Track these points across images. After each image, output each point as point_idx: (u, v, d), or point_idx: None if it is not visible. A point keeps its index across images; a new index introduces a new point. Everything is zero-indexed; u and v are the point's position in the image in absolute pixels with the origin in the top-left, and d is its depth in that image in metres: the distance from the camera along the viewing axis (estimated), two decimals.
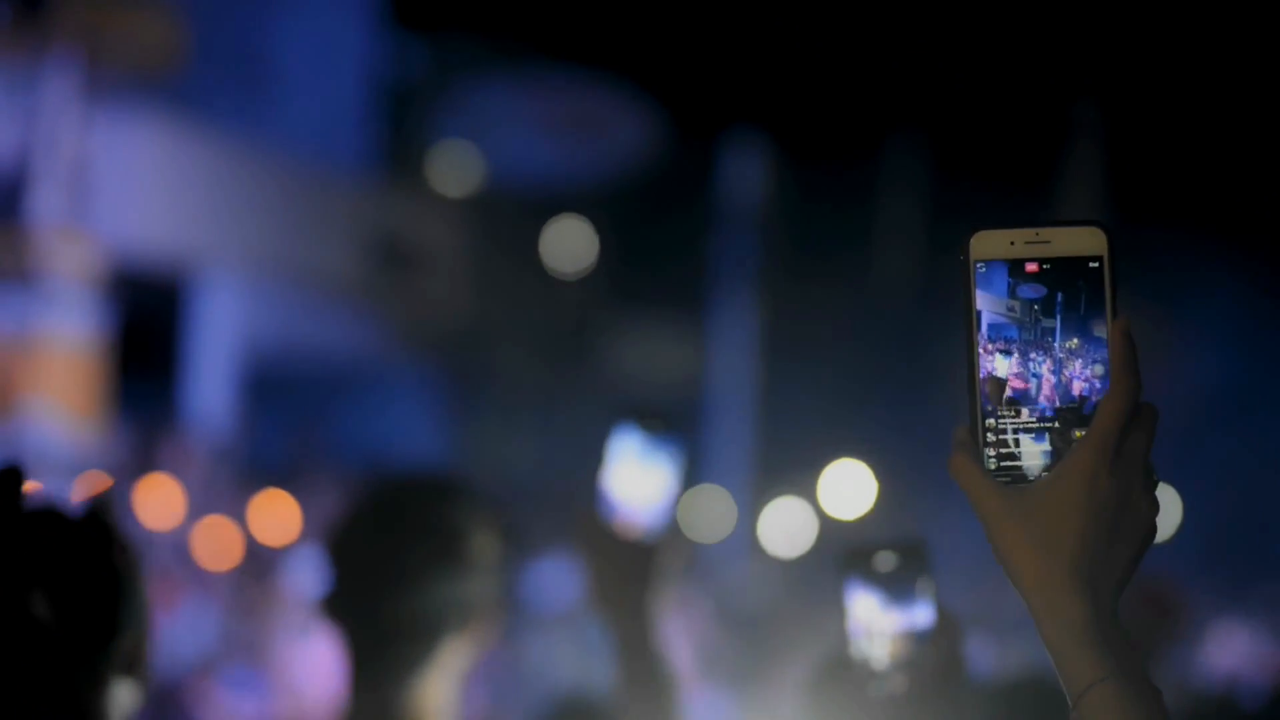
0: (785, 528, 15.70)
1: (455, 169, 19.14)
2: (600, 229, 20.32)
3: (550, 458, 20.30)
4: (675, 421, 2.45)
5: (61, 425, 10.50)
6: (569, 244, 20.40)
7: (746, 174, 15.89)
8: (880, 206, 19.77)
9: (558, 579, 10.22)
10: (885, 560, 1.87)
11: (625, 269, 20.67)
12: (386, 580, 2.45)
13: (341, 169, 16.62)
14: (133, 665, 2.14)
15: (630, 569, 2.40)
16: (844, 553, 1.90)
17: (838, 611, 1.88)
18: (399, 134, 17.91)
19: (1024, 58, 17.18)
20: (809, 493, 17.82)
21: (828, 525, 16.39)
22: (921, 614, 1.87)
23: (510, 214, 20.06)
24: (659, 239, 20.01)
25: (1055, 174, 18.05)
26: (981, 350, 1.36)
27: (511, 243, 20.33)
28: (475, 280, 18.78)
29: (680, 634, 9.05)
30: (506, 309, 20.25)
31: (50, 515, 2.12)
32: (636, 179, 18.73)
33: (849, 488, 15.72)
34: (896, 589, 1.86)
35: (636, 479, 2.43)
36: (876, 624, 1.86)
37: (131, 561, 2.16)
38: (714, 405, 16.15)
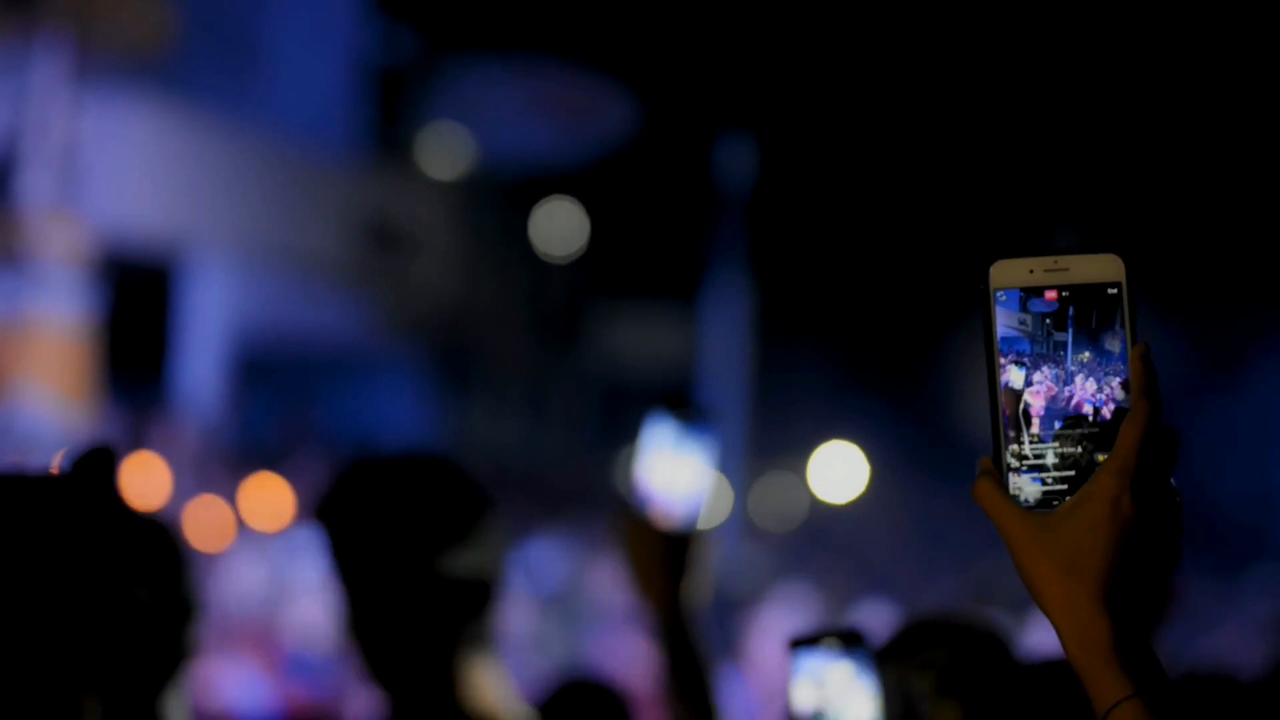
0: (776, 504, 15.76)
1: (445, 152, 19.13)
2: (591, 212, 20.30)
3: (540, 440, 20.31)
4: (707, 410, 2.46)
5: (51, 408, 10.49)
6: (559, 227, 20.39)
7: (739, 157, 15.90)
8: (872, 191, 19.77)
9: (547, 560, 10.25)
10: (832, 644, 1.94)
11: (616, 252, 20.66)
12: (412, 538, 2.46)
13: (331, 152, 16.60)
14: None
15: (668, 558, 2.43)
16: (792, 639, 1.96)
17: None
18: (388, 117, 17.90)
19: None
20: (800, 475, 17.88)
21: (819, 505, 16.46)
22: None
23: (500, 197, 20.05)
24: (650, 222, 20.01)
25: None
26: (1001, 367, 1.39)
27: (501, 226, 20.32)
28: (465, 263, 18.78)
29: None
30: (496, 292, 20.24)
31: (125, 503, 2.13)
32: (627, 162, 18.72)
33: (840, 470, 15.85)
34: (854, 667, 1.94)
35: (671, 468, 2.44)
36: (852, 692, 1.93)
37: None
38: (705, 389, 16.16)
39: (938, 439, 18.51)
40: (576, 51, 17.21)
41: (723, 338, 16.14)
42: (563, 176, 19.44)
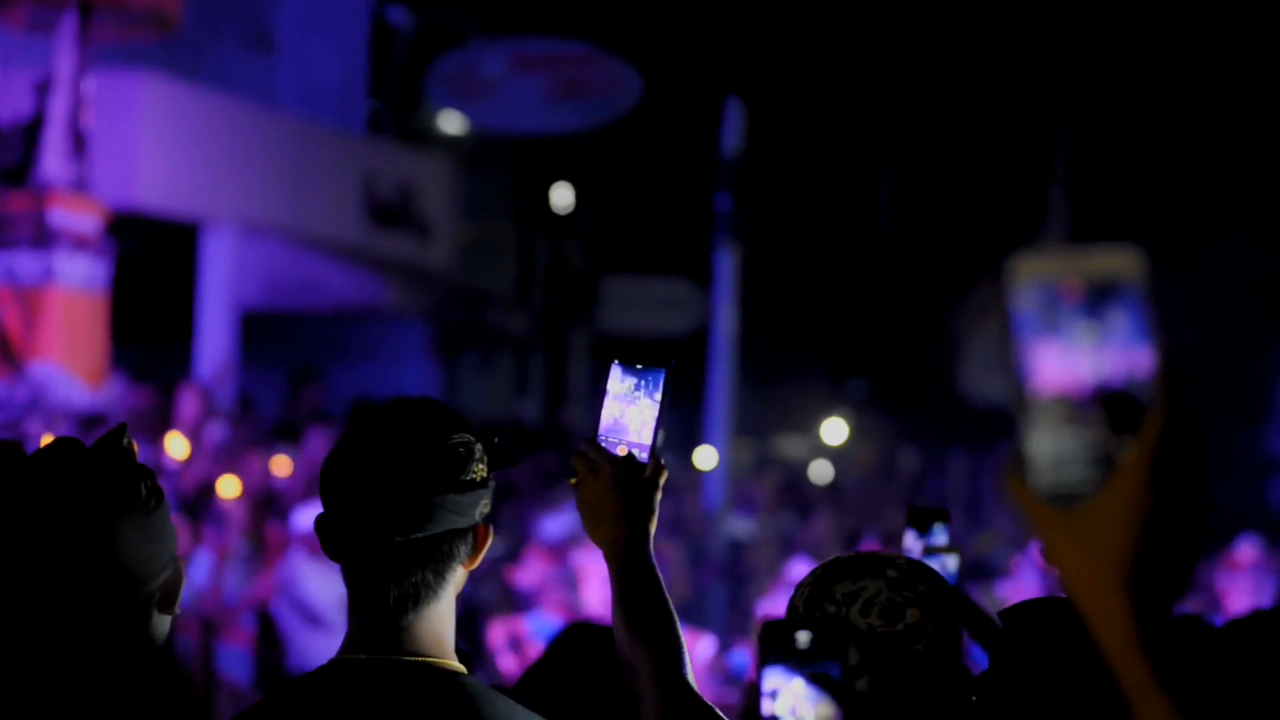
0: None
1: (452, 126, 19.25)
2: (595, 186, 20.41)
3: (546, 412, 20.45)
4: (660, 357, 2.53)
5: (69, 382, 10.65)
6: (566, 202, 20.51)
7: (739, 129, 15.95)
8: (872, 159, 19.85)
9: (558, 527, 10.40)
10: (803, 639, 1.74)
11: (622, 224, 20.76)
12: (399, 500, 2.34)
13: (340, 126, 16.73)
14: (169, 601, 2.24)
15: (621, 503, 2.48)
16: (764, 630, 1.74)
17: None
18: (397, 92, 17.99)
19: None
20: (805, 440, 18.01)
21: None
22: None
23: (506, 171, 20.17)
24: (656, 195, 20.10)
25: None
26: (1022, 362, 1.39)
27: (507, 199, 20.43)
28: (471, 236, 18.90)
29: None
30: (503, 265, 20.37)
31: (101, 460, 2.20)
32: (634, 136, 18.80)
33: (837, 437, 16.21)
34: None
35: (625, 413, 2.53)
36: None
37: (164, 502, 2.25)
38: (711, 360, 16.25)
39: (938, 407, 18.63)
40: (581, 26, 17.28)
41: (731, 310, 16.17)
42: (571, 150, 19.53)
